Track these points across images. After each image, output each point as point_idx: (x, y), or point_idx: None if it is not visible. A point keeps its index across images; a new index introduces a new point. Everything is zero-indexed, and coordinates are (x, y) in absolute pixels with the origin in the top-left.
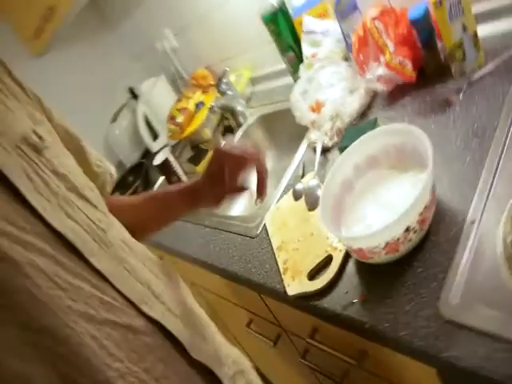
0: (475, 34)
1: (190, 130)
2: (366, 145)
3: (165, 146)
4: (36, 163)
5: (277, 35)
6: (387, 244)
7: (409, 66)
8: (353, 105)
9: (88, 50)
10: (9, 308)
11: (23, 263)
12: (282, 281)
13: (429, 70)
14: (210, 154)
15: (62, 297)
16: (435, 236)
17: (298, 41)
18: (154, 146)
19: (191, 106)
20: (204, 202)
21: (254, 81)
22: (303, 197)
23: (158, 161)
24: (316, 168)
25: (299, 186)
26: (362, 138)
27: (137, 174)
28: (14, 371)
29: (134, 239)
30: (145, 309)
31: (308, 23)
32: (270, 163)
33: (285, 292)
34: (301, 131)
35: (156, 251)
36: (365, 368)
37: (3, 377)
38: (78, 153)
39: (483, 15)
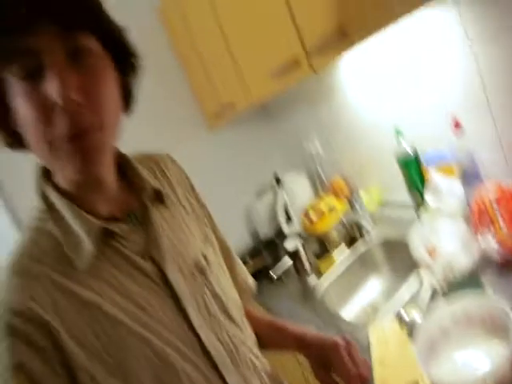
0: None
1: (320, 228)
2: (466, 303)
3: (296, 233)
4: (202, 286)
5: (407, 176)
6: None
7: None
8: (464, 262)
9: (245, 131)
10: None
11: (179, 370)
12: None
13: None
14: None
15: None
16: None
17: (424, 184)
18: (287, 229)
19: (325, 208)
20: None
21: (382, 203)
22: (406, 324)
23: (289, 246)
24: (421, 303)
25: (404, 314)
26: (464, 294)
27: (268, 246)
28: None
29: (259, 353)
30: None
31: (435, 178)
32: (383, 283)
33: None
34: (415, 263)
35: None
36: None
37: None
38: (230, 265)
39: None
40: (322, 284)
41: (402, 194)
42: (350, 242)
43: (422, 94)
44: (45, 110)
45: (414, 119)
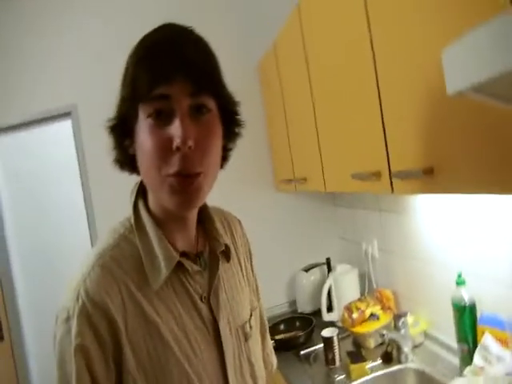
0: None
1: (358, 330)
2: None
3: (334, 322)
4: (242, 349)
5: (458, 324)
6: None
7: None
8: None
9: (309, 204)
10: None
11: None
12: None
13: None
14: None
15: None
16: None
17: (475, 341)
18: (326, 315)
19: (367, 312)
20: None
21: (427, 334)
22: None
23: (325, 333)
24: None
25: None
26: None
27: (303, 321)
28: None
29: None
30: None
31: (487, 340)
32: None
33: None
34: None
35: None
36: None
37: None
38: (262, 336)
39: None
40: None
41: (448, 336)
42: (385, 356)
43: (496, 251)
44: (165, 147)
45: (480, 274)
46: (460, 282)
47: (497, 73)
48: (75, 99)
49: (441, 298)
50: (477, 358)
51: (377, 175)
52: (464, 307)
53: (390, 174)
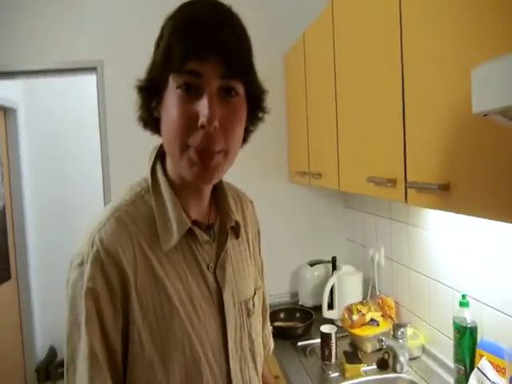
0: None
1: (356, 332)
2: None
3: (334, 320)
4: (243, 323)
5: (458, 343)
6: None
7: None
8: None
9: (322, 200)
10: None
11: (204, 379)
12: None
13: None
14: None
15: None
16: None
17: (472, 363)
18: (326, 312)
19: (368, 316)
20: None
21: (424, 349)
22: None
23: (324, 328)
24: None
25: None
26: None
27: (303, 313)
28: None
29: None
30: None
31: (484, 365)
32: None
33: None
34: None
35: None
36: None
37: None
38: (262, 318)
39: None
40: None
41: (446, 355)
42: (381, 362)
43: (504, 279)
44: (190, 121)
45: (484, 299)
46: (464, 304)
47: None
48: (102, 55)
49: (442, 316)
50: (472, 381)
51: (392, 182)
52: (465, 328)
53: (405, 183)
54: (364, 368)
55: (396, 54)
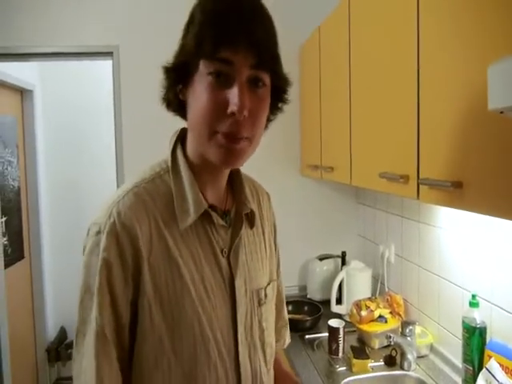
0: None
1: (364, 328)
2: None
3: (342, 315)
4: (254, 311)
5: (467, 343)
6: None
7: None
8: None
9: (332, 194)
10: None
11: (211, 361)
12: None
13: None
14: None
15: None
16: None
17: (481, 364)
18: (335, 307)
19: (376, 312)
20: None
21: (432, 348)
22: None
23: (332, 323)
24: None
25: None
26: None
27: (311, 307)
28: None
29: None
30: None
31: (493, 365)
32: None
33: None
34: None
35: None
36: None
37: None
38: (278, 311)
39: None
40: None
41: (454, 354)
42: (389, 359)
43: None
44: (220, 108)
45: (495, 300)
46: (474, 304)
47: None
48: (118, 40)
49: (451, 316)
50: (480, 381)
51: (405, 178)
52: (474, 329)
53: (417, 180)
54: (371, 364)
55: (412, 50)
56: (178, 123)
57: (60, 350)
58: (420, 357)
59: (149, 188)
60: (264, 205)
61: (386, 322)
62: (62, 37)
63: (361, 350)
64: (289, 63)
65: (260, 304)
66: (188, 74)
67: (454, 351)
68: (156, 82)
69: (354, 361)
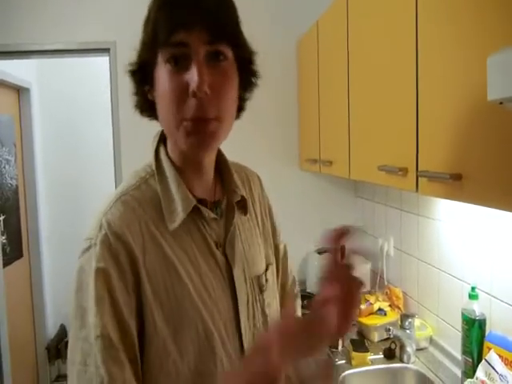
0: None
1: (364, 321)
2: None
3: None
4: (256, 299)
5: (466, 335)
6: None
7: None
8: None
9: (330, 187)
10: None
11: (217, 356)
12: None
13: None
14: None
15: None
16: None
17: (480, 356)
18: None
19: (375, 305)
20: None
21: (432, 340)
22: None
23: None
24: None
25: None
26: None
27: (310, 301)
28: None
29: None
30: None
31: (492, 357)
32: None
33: None
34: None
35: None
36: None
37: None
38: (283, 268)
39: None
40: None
41: (453, 346)
42: (388, 352)
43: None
44: (182, 92)
45: (494, 292)
46: (473, 296)
47: None
48: (115, 37)
49: (451, 308)
50: (479, 372)
51: (403, 171)
52: (474, 321)
53: (416, 172)
54: (371, 357)
55: (411, 43)
56: None
57: (60, 347)
58: (419, 349)
59: (136, 195)
60: (255, 188)
61: (385, 314)
62: (60, 34)
63: (360, 343)
64: (287, 58)
65: (261, 290)
66: (151, 72)
67: (454, 343)
68: None
69: (354, 354)
